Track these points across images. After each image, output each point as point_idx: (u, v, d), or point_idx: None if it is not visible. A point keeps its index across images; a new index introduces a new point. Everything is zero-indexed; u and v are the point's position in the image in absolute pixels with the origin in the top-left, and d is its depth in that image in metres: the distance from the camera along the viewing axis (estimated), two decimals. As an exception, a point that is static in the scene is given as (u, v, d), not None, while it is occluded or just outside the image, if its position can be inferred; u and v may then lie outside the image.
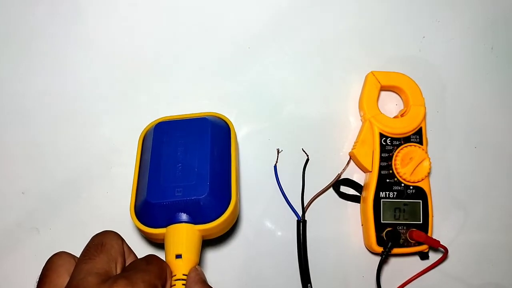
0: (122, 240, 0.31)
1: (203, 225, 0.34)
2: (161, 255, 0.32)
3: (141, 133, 0.39)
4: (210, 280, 0.43)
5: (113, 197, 0.43)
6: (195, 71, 0.46)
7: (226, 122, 0.39)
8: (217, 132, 0.38)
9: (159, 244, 0.35)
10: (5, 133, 0.44)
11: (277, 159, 0.45)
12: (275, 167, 0.44)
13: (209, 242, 0.43)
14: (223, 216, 0.34)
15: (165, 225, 0.34)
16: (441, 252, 0.44)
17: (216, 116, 0.40)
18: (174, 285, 0.31)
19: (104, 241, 0.29)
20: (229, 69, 0.46)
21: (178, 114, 0.40)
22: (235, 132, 0.39)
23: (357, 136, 0.45)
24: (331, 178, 0.44)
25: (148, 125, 0.39)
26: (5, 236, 0.42)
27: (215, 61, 0.46)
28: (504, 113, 0.48)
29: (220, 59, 0.46)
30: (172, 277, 0.32)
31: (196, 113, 0.40)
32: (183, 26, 0.46)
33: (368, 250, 0.44)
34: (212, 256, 0.43)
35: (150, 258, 0.30)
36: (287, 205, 0.44)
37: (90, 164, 0.44)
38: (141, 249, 0.43)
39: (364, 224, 0.44)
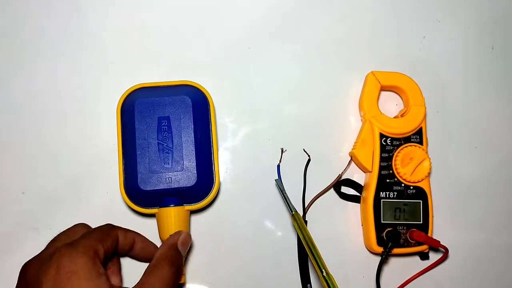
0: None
1: (191, 205, 0.39)
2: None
3: (118, 101, 0.40)
4: (209, 280, 0.43)
5: (113, 197, 0.43)
6: (195, 71, 0.46)
7: (204, 94, 0.40)
8: (198, 110, 0.39)
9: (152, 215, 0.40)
10: (5, 133, 0.44)
11: (281, 158, 0.45)
12: (278, 166, 0.44)
13: (208, 242, 0.43)
14: (209, 196, 0.39)
15: (155, 206, 0.38)
16: (441, 252, 0.44)
17: (193, 86, 0.40)
18: None
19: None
20: (229, 69, 0.46)
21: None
22: (213, 105, 0.40)
23: (357, 136, 0.45)
24: (331, 178, 0.44)
25: (125, 92, 0.40)
26: (5, 236, 0.42)
27: (215, 61, 0.46)
28: (504, 113, 0.48)
29: (220, 59, 0.46)
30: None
31: (173, 82, 0.41)
32: (184, 26, 0.46)
33: (368, 250, 0.44)
34: (212, 256, 0.43)
35: (100, 226, 0.35)
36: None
37: (90, 164, 0.44)
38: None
39: (364, 224, 0.44)
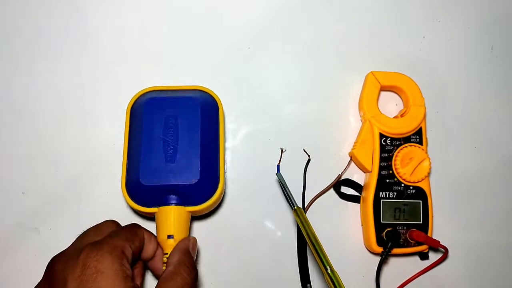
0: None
1: (193, 206, 0.37)
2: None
3: (129, 103, 0.39)
4: (209, 281, 0.43)
5: (113, 197, 0.43)
6: (195, 71, 0.46)
7: (214, 98, 0.40)
8: (206, 111, 0.39)
9: (151, 218, 0.38)
10: (5, 133, 0.44)
11: (281, 158, 0.45)
12: (278, 166, 0.44)
13: (208, 242, 0.43)
14: (211, 199, 0.37)
15: (156, 205, 0.37)
16: (441, 252, 0.44)
17: (204, 91, 0.40)
18: (166, 262, 0.34)
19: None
20: (229, 69, 0.46)
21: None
22: (223, 110, 0.40)
23: (357, 136, 0.45)
24: (330, 178, 0.44)
25: (136, 94, 0.40)
26: (5, 236, 0.42)
27: (215, 61, 0.46)
28: (504, 113, 0.48)
29: (220, 59, 0.46)
30: (164, 254, 0.35)
31: (184, 86, 0.40)
32: (183, 25, 0.46)
33: (368, 250, 0.44)
34: (212, 256, 0.43)
35: (127, 225, 0.34)
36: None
37: (90, 164, 0.44)
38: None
39: (364, 224, 0.44)
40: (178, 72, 0.46)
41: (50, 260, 0.31)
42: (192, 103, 0.38)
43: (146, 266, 0.37)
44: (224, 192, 0.44)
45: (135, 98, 0.40)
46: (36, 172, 0.43)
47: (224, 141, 0.40)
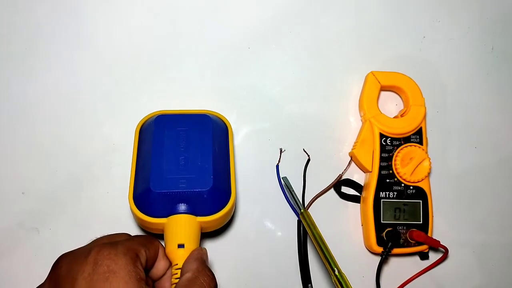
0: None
1: (204, 217, 0.35)
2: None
3: (138, 124, 0.39)
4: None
5: (113, 197, 0.43)
6: (195, 71, 0.46)
7: (223, 121, 0.40)
8: (217, 129, 0.39)
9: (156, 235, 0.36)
10: (5, 133, 0.44)
11: (280, 158, 0.45)
12: (277, 166, 0.44)
13: (208, 242, 0.43)
14: (223, 210, 0.35)
15: (165, 215, 0.35)
16: (441, 252, 0.44)
17: (214, 115, 0.40)
18: (176, 273, 0.32)
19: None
20: (229, 69, 0.46)
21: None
22: (232, 132, 0.40)
23: (357, 136, 0.45)
24: (331, 178, 0.44)
25: (145, 117, 0.40)
26: (5, 236, 0.42)
27: (215, 61, 0.46)
28: (503, 113, 0.48)
29: (220, 59, 0.46)
30: (173, 265, 0.32)
31: (193, 110, 0.40)
32: (183, 26, 0.46)
33: (368, 250, 0.44)
34: (212, 255, 0.43)
35: (142, 234, 0.32)
36: (288, 205, 0.44)
37: (90, 164, 0.44)
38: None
39: (364, 224, 0.44)
40: (177, 72, 0.46)
41: (58, 259, 0.29)
42: (203, 119, 0.38)
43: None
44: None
45: (143, 121, 0.39)
46: (36, 172, 0.43)
47: (235, 160, 0.39)
